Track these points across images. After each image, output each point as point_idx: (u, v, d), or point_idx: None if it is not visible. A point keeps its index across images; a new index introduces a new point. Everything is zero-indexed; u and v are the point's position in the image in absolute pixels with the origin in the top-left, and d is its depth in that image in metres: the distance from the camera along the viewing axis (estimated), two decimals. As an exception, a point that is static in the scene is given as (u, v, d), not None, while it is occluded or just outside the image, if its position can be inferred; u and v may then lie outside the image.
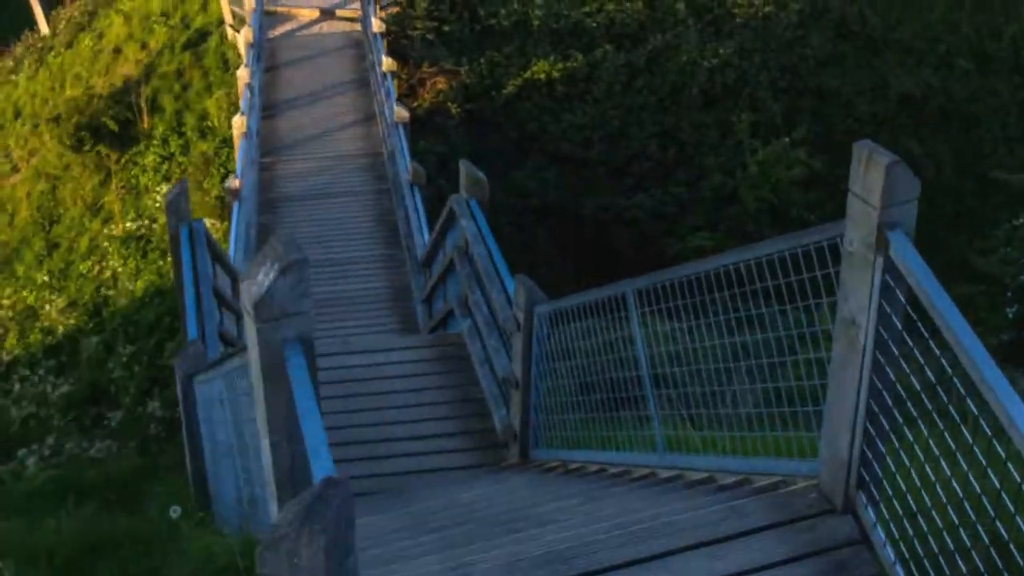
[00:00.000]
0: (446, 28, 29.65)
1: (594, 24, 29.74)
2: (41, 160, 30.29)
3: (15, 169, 31.32)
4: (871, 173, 5.26)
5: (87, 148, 28.78)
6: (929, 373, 5.40)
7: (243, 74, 23.25)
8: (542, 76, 29.02)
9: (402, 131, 21.32)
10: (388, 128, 22.43)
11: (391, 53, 27.27)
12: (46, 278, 28.14)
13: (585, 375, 9.28)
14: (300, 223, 21.15)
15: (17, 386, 25.31)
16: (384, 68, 23.97)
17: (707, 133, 28.22)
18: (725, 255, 6.96)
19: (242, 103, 22.45)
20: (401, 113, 21.64)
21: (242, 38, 25.54)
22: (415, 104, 27.56)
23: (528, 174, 28.38)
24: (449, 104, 27.82)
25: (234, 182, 18.82)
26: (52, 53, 34.84)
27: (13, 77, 35.37)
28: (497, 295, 11.20)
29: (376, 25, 26.02)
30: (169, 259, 21.42)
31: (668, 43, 29.18)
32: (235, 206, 18.71)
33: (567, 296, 9.56)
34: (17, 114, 33.24)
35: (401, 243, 19.99)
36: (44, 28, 39.20)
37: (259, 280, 5.29)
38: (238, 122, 21.11)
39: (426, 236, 18.07)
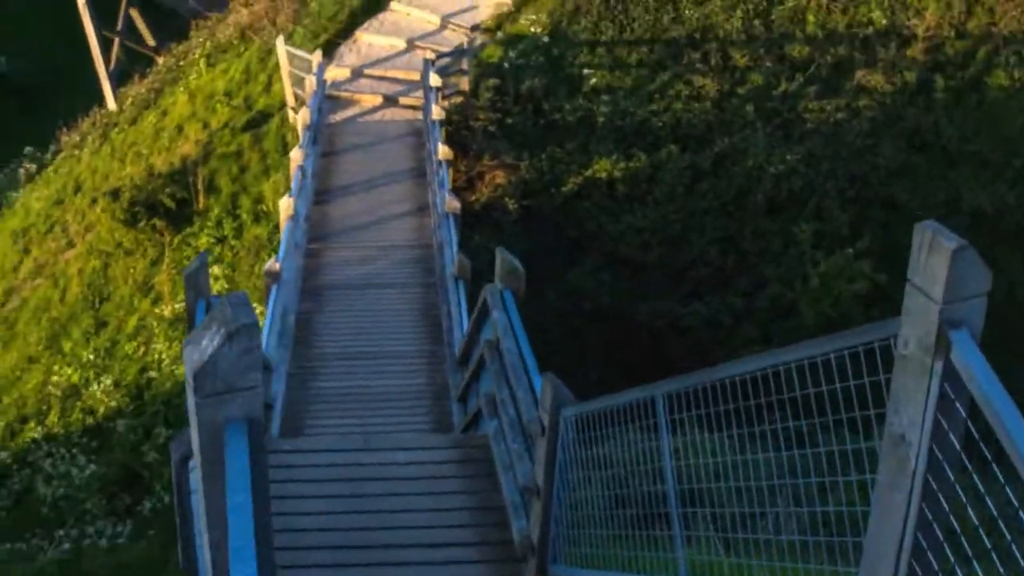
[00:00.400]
0: (509, 121, 28.95)
1: (660, 123, 28.94)
2: (96, 236, 29.76)
3: (71, 244, 30.83)
4: (934, 259, 4.29)
5: (141, 225, 28.24)
6: (990, 506, 4.47)
7: (296, 156, 22.61)
8: (603, 175, 28.20)
9: (452, 222, 20.54)
10: (439, 218, 21.67)
11: (452, 143, 26.62)
12: (91, 356, 27.52)
13: (612, 487, 8.36)
14: (342, 312, 20.38)
15: (49, 465, 24.62)
16: (440, 156, 23.25)
17: (770, 241, 27.22)
18: (761, 357, 6.03)
19: (292, 185, 21.78)
20: (452, 203, 20.88)
21: (300, 120, 24.94)
22: (473, 197, 26.84)
23: (583, 275, 27.48)
24: (507, 199, 27.04)
25: (274, 265, 18.06)
26: (116, 129, 34.54)
27: (76, 152, 35.07)
28: (524, 394, 10.27)
29: (436, 112, 25.34)
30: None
31: (735, 146, 28.30)
32: (273, 290, 17.95)
33: (596, 399, 8.65)
34: (77, 189, 32.82)
35: (444, 339, 19.15)
36: (112, 105, 39.00)
37: (202, 346, 4.41)
38: (285, 204, 20.42)
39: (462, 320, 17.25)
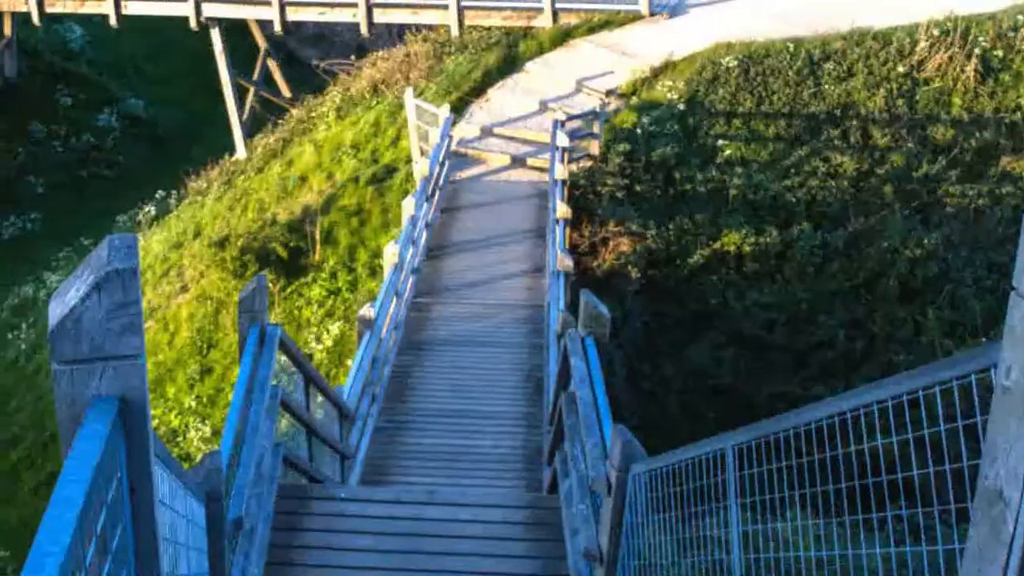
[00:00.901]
0: (638, 188, 28.05)
1: (794, 199, 27.83)
2: (208, 282, 29.33)
3: (184, 289, 30.43)
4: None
5: (249, 273, 27.70)
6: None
7: (408, 205, 21.88)
8: (732, 249, 27.16)
9: (562, 280, 19.60)
10: (550, 276, 20.77)
11: (577, 207, 25.82)
12: (193, 403, 27.00)
13: (681, 555, 7.33)
14: (443, 369, 19.53)
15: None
16: (558, 215, 22.37)
17: (900, 327, 25.87)
18: (840, 399, 5.01)
19: (401, 235, 21.06)
20: (564, 262, 19.96)
21: (417, 171, 24.25)
22: (595, 263, 25.96)
23: (704, 351, 26.42)
24: (630, 267, 26.08)
25: (368, 311, 17.25)
26: (242, 177, 34.25)
27: (200, 198, 34.84)
28: (592, 448, 9.24)
29: (560, 171, 24.52)
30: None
31: (870, 227, 27.09)
32: (365, 336, 17.14)
33: (667, 453, 7.63)
34: (196, 234, 32.49)
35: (543, 400, 18.25)
36: (242, 153, 38.84)
37: (67, 299, 3.46)
38: (390, 252, 19.67)
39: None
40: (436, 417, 18.00)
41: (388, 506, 10.88)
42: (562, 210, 22.46)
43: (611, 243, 26.58)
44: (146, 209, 35.83)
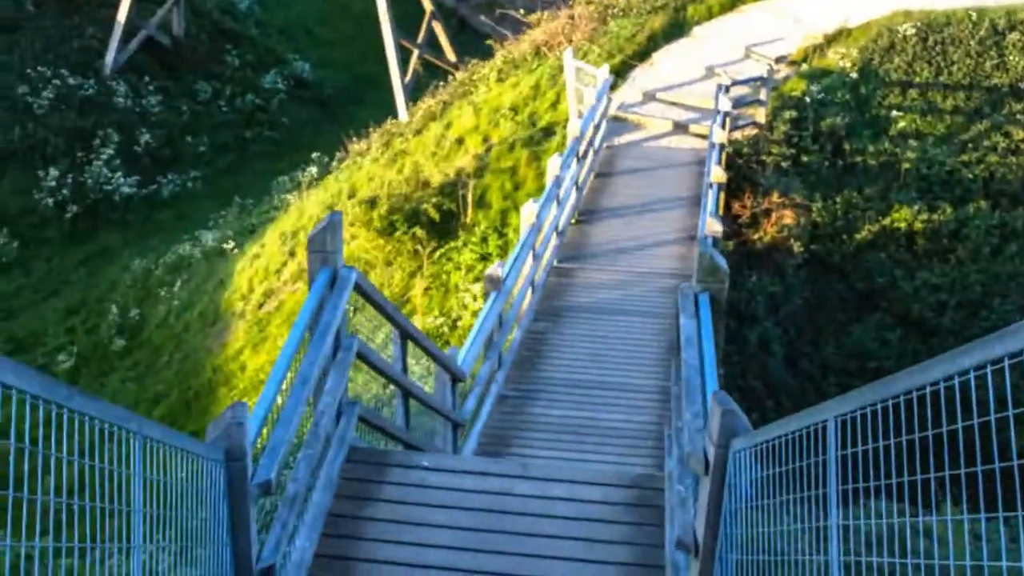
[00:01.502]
0: (804, 158, 26.42)
1: (970, 176, 25.93)
2: (357, 244, 28.38)
3: (335, 250, 29.47)
4: None
5: (398, 235, 26.69)
6: None
7: (553, 164, 20.56)
8: (902, 225, 25.47)
9: (709, 245, 18.11)
10: (699, 242, 19.32)
11: (740, 176, 24.38)
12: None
13: (783, 546, 5.96)
14: (580, 337, 18.21)
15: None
16: (712, 178, 20.87)
17: (1082, 315, 23.93)
18: (955, 355, 3.60)
19: (544, 193, 19.77)
20: (713, 226, 18.47)
21: (569, 131, 22.91)
22: (756, 235, 24.42)
23: (868, 332, 24.85)
24: (793, 241, 24.51)
25: (496, 270, 15.97)
26: (400, 139, 33.26)
27: (359, 160, 33.95)
28: (692, 419, 7.84)
29: (718, 135, 22.99)
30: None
31: (1054, 207, 25.15)
32: (491, 296, 15.87)
33: (775, 424, 6.23)
34: (351, 195, 31.56)
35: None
36: (404, 116, 37.92)
37: None
38: (528, 211, 18.38)
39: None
40: (567, 388, 16.71)
41: (475, 478, 9.59)
42: (717, 174, 20.96)
43: (774, 215, 25.04)
44: (308, 170, 35.09)
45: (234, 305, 30.62)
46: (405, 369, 11.57)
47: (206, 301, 31.64)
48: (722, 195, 22.02)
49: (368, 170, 32.29)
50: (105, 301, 32.94)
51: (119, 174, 38.63)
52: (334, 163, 36.13)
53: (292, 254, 30.75)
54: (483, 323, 15.07)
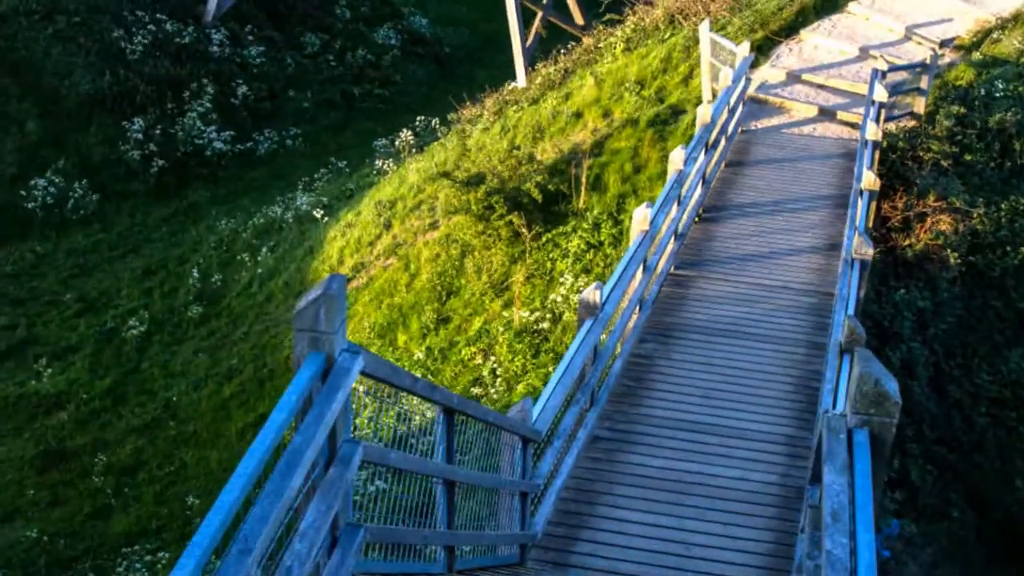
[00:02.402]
0: (967, 157, 23.10)
1: None
2: (455, 223, 25.59)
3: (434, 226, 26.78)
4: None
5: (494, 218, 23.84)
6: None
7: (676, 157, 17.51)
8: (1078, 240, 22.11)
9: (856, 271, 15.01)
10: (842, 263, 16.16)
11: (892, 174, 21.26)
12: (423, 355, 23.33)
13: None
14: (692, 366, 15.23)
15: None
16: (863, 184, 17.70)
17: None
18: None
19: (661, 194, 16.77)
20: (861, 248, 15.27)
21: (699, 116, 19.84)
22: (906, 242, 21.26)
23: (1028, 363, 21.57)
24: (948, 251, 21.29)
25: (592, 294, 13.02)
26: (514, 108, 30.33)
27: (469, 127, 31.10)
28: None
29: (872, 131, 19.80)
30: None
31: None
32: (585, 325, 12.96)
33: None
34: (457, 166, 28.80)
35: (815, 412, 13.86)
36: (522, 82, 34.93)
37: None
38: (640, 216, 15.39)
39: None
40: (672, 431, 13.81)
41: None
42: (868, 179, 17.76)
43: (928, 220, 21.89)
44: (405, 134, 32.28)
45: (321, 276, 27.98)
46: (451, 454, 8.73)
47: (292, 270, 29.11)
48: (873, 204, 18.80)
49: (477, 139, 29.47)
50: (186, 263, 30.51)
51: (212, 128, 36.01)
52: (442, 128, 33.34)
53: (388, 226, 28.06)
54: (571, 362, 12.19)
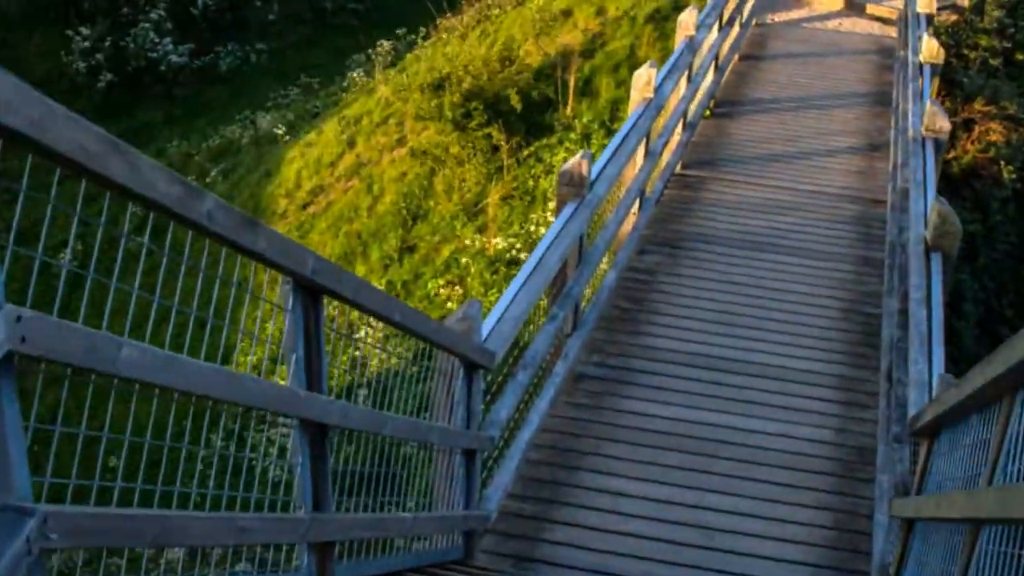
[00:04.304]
0: (1020, 56, 19.13)
1: None
2: (425, 135, 21.62)
3: (401, 142, 22.76)
4: None
5: (473, 126, 19.87)
6: None
7: (687, 20, 13.45)
8: None
9: (931, 152, 10.93)
10: (905, 152, 12.05)
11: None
12: (385, 289, 19.37)
13: None
14: (707, 284, 11.26)
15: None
16: (924, 56, 13.65)
17: None
18: None
19: (671, 59, 12.71)
20: (938, 122, 11.18)
21: (710, -11, 15.80)
22: (951, 155, 17.36)
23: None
24: (1001, 165, 17.43)
25: (579, 164, 9.01)
26: (497, 11, 26.28)
27: (445, 36, 27.05)
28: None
29: (923, 3, 15.74)
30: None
31: None
32: (567, 207, 8.96)
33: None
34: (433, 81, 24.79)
35: (881, 364, 9.79)
36: (506, -12, 30.81)
37: None
38: (644, 78, 11.32)
39: (937, 362, 7.60)
40: (685, 368, 9.85)
41: None
42: (930, 48, 13.71)
43: (977, 128, 18.13)
44: (382, 45, 28.17)
45: (277, 203, 24.06)
46: (316, 372, 4.81)
47: (246, 196, 25.08)
48: (935, 83, 14.69)
49: (455, 47, 25.42)
50: (131, 189, 26.54)
51: (168, 40, 31.67)
52: (422, 42, 29.26)
53: (351, 144, 24.06)
54: (544, 257, 8.22)
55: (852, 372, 9.94)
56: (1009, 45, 19.11)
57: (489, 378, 7.80)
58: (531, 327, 9.02)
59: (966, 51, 19.06)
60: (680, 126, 13.48)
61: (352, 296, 4.96)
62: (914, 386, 6.88)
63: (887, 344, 9.58)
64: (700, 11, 14.18)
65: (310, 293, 4.69)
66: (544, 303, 9.25)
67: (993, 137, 18.03)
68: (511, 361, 8.24)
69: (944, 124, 10.99)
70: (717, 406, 9.38)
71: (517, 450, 8.18)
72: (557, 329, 8.71)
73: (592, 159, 9.12)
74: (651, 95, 11.09)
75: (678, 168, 13.63)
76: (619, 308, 10.71)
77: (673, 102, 12.94)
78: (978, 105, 18.24)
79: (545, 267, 8.05)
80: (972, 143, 18.01)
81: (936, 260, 8.40)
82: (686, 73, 13.23)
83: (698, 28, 13.34)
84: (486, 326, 7.09)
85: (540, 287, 7.98)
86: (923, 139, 10.95)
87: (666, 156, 12.99)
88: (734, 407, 9.37)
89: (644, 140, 11.20)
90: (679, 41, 13.37)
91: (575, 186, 8.94)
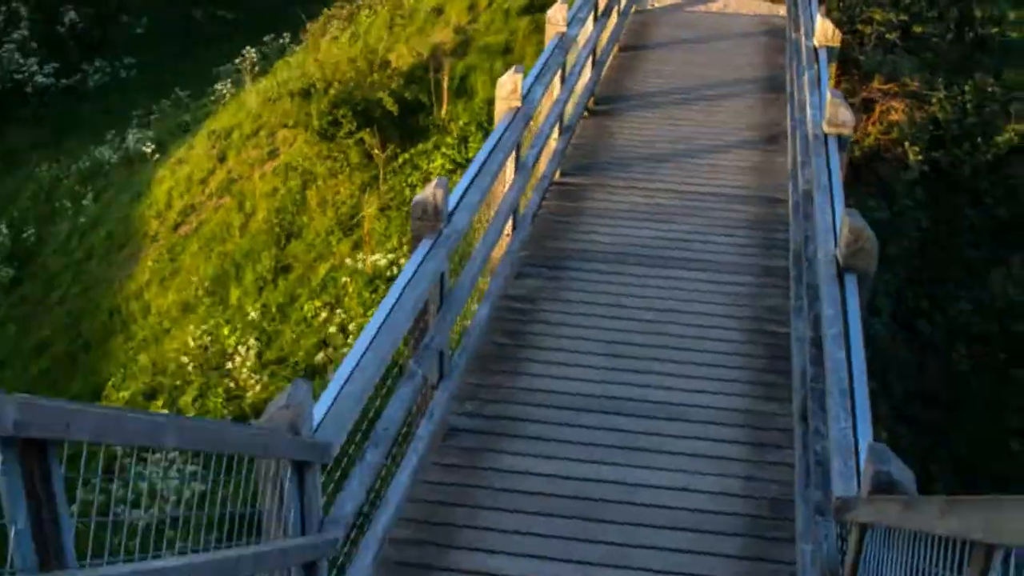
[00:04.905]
0: (917, 28, 18.06)
1: None
2: (298, 146, 20.23)
3: (273, 154, 21.33)
4: None
5: (343, 135, 18.49)
6: None
7: (557, 15, 12.10)
8: (1065, 125, 17.24)
9: (834, 150, 9.63)
10: (803, 148, 10.76)
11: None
12: (257, 315, 17.95)
13: None
14: (593, 309, 9.93)
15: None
16: (817, 39, 12.39)
17: None
18: None
19: (539, 61, 11.36)
20: (840, 114, 9.84)
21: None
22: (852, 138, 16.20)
23: (1013, 279, 16.65)
24: (906, 146, 16.35)
25: (433, 194, 7.65)
26: (366, 12, 24.88)
27: (315, 40, 25.63)
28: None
29: (814, -24, 14.59)
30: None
31: None
32: (422, 245, 7.60)
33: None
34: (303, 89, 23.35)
35: (793, 398, 8.52)
36: (380, -16, 29.34)
37: None
38: (509, 85, 9.95)
39: (862, 418, 6.22)
40: (569, 412, 8.55)
41: None
42: (824, 30, 12.43)
43: (877, 108, 17.09)
44: (249, 53, 26.74)
45: (148, 224, 22.52)
46: None
47: (118, 219, 23.57)
48: (833, 68, 13.46)
49: (325, 50, 24.00)
50: (-1, 217, 24.91)
51: (33, 60, 30.11)
52: (293, 46, 27.84)
53: (222, 159, 22.59)
54: (395, 308, 6.92)
55: (760, 406, 8.67)
56: (905, 17, 18.04)
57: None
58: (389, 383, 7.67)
59: (860, 26, 17.97)
60: (556, 131, 12.12)
61: (97, 437, 3.59)
62: (837, 451, 5.61)
63: (798, 375, 8.31)
64: (572, 4, 12.84)
65: (26, 447, 3.30)
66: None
67: (895, 116, 17.02)
68: (358, 436, 6.88)
69: (848, 118, 9.71)
70: (607, 456, 8.07)
71: (372, 539, 6.81)
72: (416, 390, 7.33)
73: (448, 187, 7.74)
74: (518, 103, 9.72)
75: (556, 176, 12.27)
76: (495, 344, 9.36)
77: (547, 106, 11.60)
78: (877, 83, 17.23)
79: (394, 324, 6.67)
80: (873, 124, 17.01)
81: (851, 283, 7.14)
82: (559, 72, 11.88)
83: (570, 23, 11.98)
84: (319, 408, 5.74)
85: (389, 349, 6.62)
86: (825, 136, 9.68)
87: (542, 165, 11.65)
88: (627, 457, 8.07)
89: (514, 153, 9.84)
90: (549, 38, 12.01)
91: (430, 219, 7.57)
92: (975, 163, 17.09)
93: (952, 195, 17.12)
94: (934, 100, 17.10)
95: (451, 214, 7.85)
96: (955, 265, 16.83)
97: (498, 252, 10.01)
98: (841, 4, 18.13)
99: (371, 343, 6.43)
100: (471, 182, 8.39)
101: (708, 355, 9.35)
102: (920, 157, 16.49)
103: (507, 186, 9.91)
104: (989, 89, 17.49)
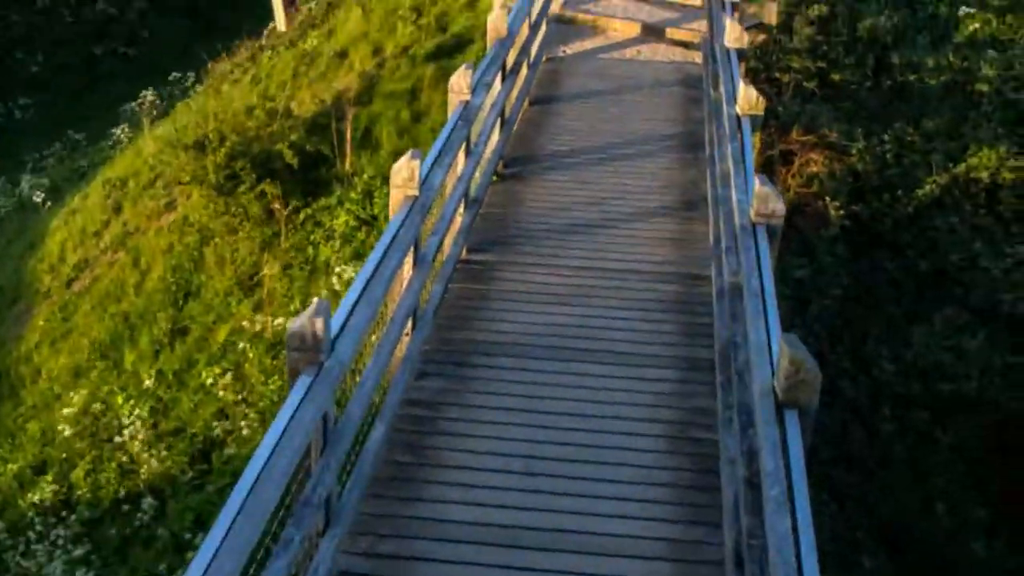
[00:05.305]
0: (835, 76, 17.35)
1: (1086, 99, 17.08)
2: (191, 204, 19.10)
3: (171, 206, 20.17)
4: None
5: (243, 189, 17.39)
6: None
7: (460, 82, 11.08)
8: (982, 175, 16.54)
9: (763, 241, 8.67)
10: (729, 229, 9.81)
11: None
12: (152, 382, 16.78)
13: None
14: (502, 420, 8.89)
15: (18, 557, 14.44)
16: (740, 108, 11.44)
17: None
18: None
19: (439, 138, 10.33)
20: (769, 204, 8.90)
21: (490, 26, 13.56)
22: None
23: (936, 336, 15.69)
24: (826, 201, 15.61)
25: (311, 322, 6.55)
26: (268, 54, 23.78)
27: (216, 82, 24.49)
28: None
29: (732, 34, 13.70)
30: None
31: None
32: (300, 383, 6.49)
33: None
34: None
35: (724, 532, 7.55)
36: (282, 24, 28.13)
37: None
38: (405, 171, 8.90)
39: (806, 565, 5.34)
40: (474, 547, 7.57)
41: None
42: (747, 98, 11.46)
43: (796, 161, 16.25)
44: (147, 95, 25.52)
45: (40, 279, 21.28)
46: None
47: (9, 271, 22.34)
48: (757, 137, 12.58)
49: (228, 94, 22.90)
50: None
51: (-79, 102, 28.88)
52: (196, 87, 26.70)
53: (117, 210, 21.42)
54: (271, 458, 5.86)
55: (684, 533, 7.70)
56: (823, 64, 17.28)
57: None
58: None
59: (778, 74, 17.21)
60: (461, 207, 11.10)
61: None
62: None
63: (730, 509, 7.34)
64: (476, 67, 11.82)
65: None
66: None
67: (814, 168, 16.25)
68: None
69: (778, 207, 8.76)
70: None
71: None
72: (292, 560, 6.24)
73: (329, 312, 6.65)
74: (415, 192, 8.69)
75: (463, 254, 11.25)
76: (393, 463, 8.31)
77: (450, 185, 10.58)
78: (796, 135, 16.46)
79: (262, 496, 5.58)
80: (793, 177, 16.20)
81: (792, 420, 6.19)
82: (463, 147, 10.88)
83: (474, 90, 10.97)
84: None
85: (259, 523, 5.53)
86: (754, 226, 8.73)
87: (446, 247, 10.61)
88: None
89: (412, 249, 8.80)
90: (452, 107, 10.99)
91: (308, 351, 6.49)
92: (896, 215, 16.30)
93: (873, 249, 16.34)
94: (854, 151, 16.33)
95: (335, 341, 6.77)
96: (877, 321, 16.02)
97: (398, 353, 8.96)
98: (757, 51, 17.34)
99: (226, 535, 5.28)
100: (359, 297, 7.32)
101: (628, 469, 8.35)
102: (841, 212, 15.70)
103: (404, 286, 8.85)
104: (908, 139, 16.74)
